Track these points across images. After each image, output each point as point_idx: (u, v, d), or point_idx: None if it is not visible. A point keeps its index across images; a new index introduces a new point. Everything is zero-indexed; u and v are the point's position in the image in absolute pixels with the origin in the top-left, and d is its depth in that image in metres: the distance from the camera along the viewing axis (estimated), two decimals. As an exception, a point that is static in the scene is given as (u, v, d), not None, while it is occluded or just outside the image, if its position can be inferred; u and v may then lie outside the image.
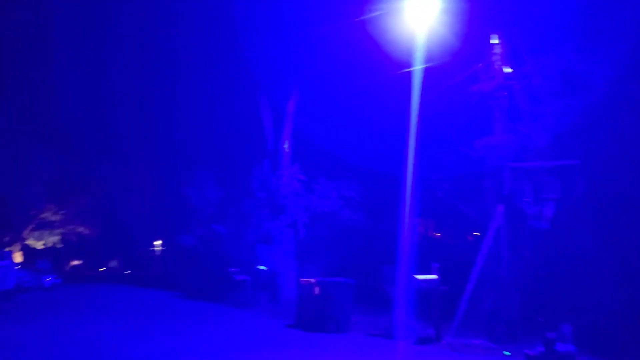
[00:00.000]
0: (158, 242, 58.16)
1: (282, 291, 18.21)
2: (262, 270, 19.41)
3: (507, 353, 9.00)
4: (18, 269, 24.64)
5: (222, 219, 24.63)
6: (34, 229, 38.14)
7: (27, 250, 39.11)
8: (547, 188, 9.87)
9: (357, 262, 16.97)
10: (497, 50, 11.45)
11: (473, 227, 16.68)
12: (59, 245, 42.40)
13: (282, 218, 18.69)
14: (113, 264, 78.06)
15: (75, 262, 62.23)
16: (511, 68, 11.44)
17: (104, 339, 10.44)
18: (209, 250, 25.04)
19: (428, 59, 11.50)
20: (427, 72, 11.61)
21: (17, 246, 36.75)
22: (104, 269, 75.48)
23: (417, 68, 11.51)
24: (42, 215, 38.12)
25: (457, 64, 13.07)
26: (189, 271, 27.27)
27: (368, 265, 16.04)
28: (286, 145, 19.77)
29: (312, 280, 12.40)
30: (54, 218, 39.05)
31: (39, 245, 38.40)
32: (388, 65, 15.57)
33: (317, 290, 12.13)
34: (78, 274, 55.49)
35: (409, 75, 11.95)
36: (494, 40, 11.51)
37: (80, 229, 42.03)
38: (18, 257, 35.36)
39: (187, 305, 20.41)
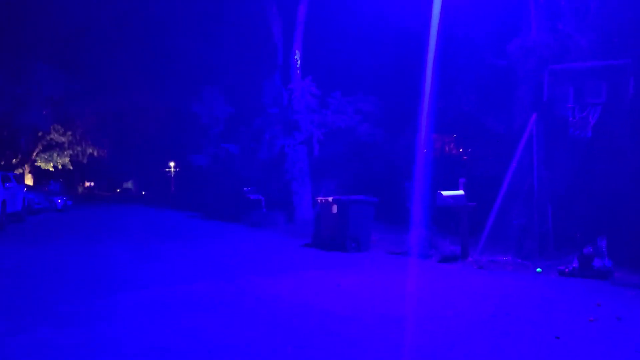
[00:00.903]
0: (171, 164, 58.48)
1: (297, 211, 17.97)
2: (277, 189, 19.15)
3: (539, 270, 8.62)
4: (28, 191, 24.71)
5: (233, 137, 24.14)
6: (42, 151, 38.18)
7: (38, 173, 39.41)
8: (591, 92, 9.02)
9: (375, 179, 16.48)
10: None
11: (501, 142, 15.95)
12: (70, 167, 42.63)
13: (296, 135, 18.08)
14: (127, 185, 79.37)
15: (88, 184, 63.10)
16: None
17: (117, 258, 10.28)
18: (222, 170, 24.79)
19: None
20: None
21: (27, 168, 36.95)
22: (119, 190, 76.87)
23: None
24: (50, 137, 37.98)
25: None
26: (202, 191, 27.23)
27: (387, 182, 15.58)
28: (297, 57, 18.72)
29: (330, 199, 11.98)
30: (62, 139, 38.92)
31: (49, 167, 38.61)
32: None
33: (335, 208, 11.75)
34: (91, 195, 56.40)
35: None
36: None
37: (90, 150, 42.02)
38: (28, 179, 35.64)
39: (202, 225, 20.41)
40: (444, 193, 9.67)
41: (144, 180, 71.69)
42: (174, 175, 56.26)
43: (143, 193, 70.23)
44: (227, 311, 6.03)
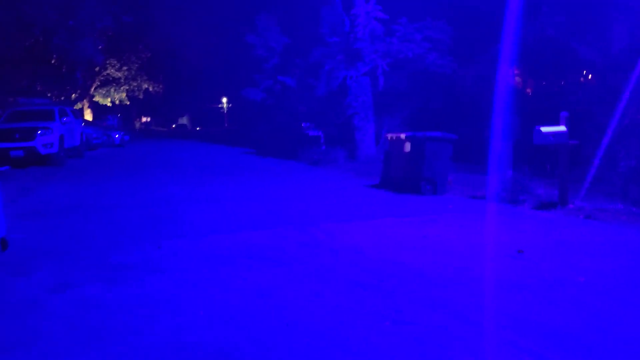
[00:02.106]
0: (224, 100, 57.86)
1: (360, 148, 16.77)
2: (336, 125, 17.94)
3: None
4: (86, 126, 24.57)
5: (289, 70, 22.85)
6: (100, 86, 38.19)
7: (96, 108, 39.64)
8: None
9: (445, 114, 14.96)
10: None
11: (594, 73, 13.97)
12: (127, 102, 42.72)
13: (359, 66, 16.58)
14: (182, 121, 79.98)
15: (145, 120, 63.76)
16: None
17: (175, 199, 9.54)
18: (277, 105, 23.71)
19: None
20: None
21: (86, 103, 37.16)
22: (174, 126, 77.64)
23: None
24: (107, 72, 37.83)
25: None
26: (257, 127, 26.36)
27: (460, 117, 14.04)
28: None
29: (402, 135, 10.70)
30: (118, 74, 38.75)
31: (106, 102, 38.72)
32: None
33: (408, 146, 10.48)
34: (148, 131, 56.97)
35: None
36: None
37: (146, 85, 41.79)
38: (87, 115, 35.87)
39: (258, 162, 19.62)
40: (544, 129, 8.19)
41: (198, 116, 71.92)
42: (227, 110, 55.81)
43: (197, 129, 70.63)
44: (302, 269, 5.06)
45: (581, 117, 10.63)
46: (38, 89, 32.72)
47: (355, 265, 5.16)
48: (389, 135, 11.34)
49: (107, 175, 14.56)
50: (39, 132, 15.58)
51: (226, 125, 54.36)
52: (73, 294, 4.45)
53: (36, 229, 7.18)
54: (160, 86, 43.74)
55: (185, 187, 11.53)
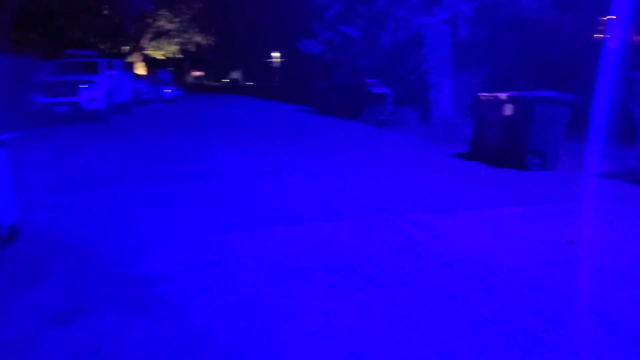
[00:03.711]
0: (276, 54, 56.01)
1: (434, 108, 14.80)
2: (404, 82, 15.93)
3: None
4: (136, 80, 23.55)
5: (351, 19, 20.79)
6: (152, 38, 37.17)
7: (149, 62, 38.78)
8: None
9: (540, 71, 12.72)
10: None
11: None
12: (179, 56, 41.72)
13: (436, 11, 14.41)
14: (235, 76, 78.88)
15: (197, 73, 62.93)
16: None
17: (230, 170, 8.13)
18: (337, 59, 21.77)
19: None
20: None
21: (138, 57, 36.33)
22: (226, 80, 76.64)
23: None
24: (158, 23, 36.69)
25: None
26: (314, 83, 24.55)
27: (561, 77, 11.81)
28: None
29: (502, 96, 8.76)
30: (170, 26, 37.58)
31: (158, 55, 37.76)
32: None
33: (509, 109, 8.55)
34: (200, 85, 56.08)
35: None
36: None
37: (198, 38, 40.53)
38: (140, 69, 35.05)
39: (316, 122, 18.01)
40: None
41: (251, 70, 70.41)
42: (280, 65, 53.97)
43: (250, 84, 69.36)
44: (405, 294, 3.47)
45: None
46: (91, 41, 32.00)
47: (491, 296, 3.51)
48: (482, 95, 9.41)
49: (155, 135, 13.36)
50: (83, 85, 14.48)
51: (279, 80, 52.67)
52: (79, 329, 3.06)
53: (66, 206, 5.92)
54: (212, 39, 42.36)
55: (240, 153, 10.10)
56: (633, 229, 5.07)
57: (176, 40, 37.94)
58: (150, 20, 35.64)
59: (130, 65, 32.19)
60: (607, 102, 8.08)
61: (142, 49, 36.66)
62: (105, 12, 32.39)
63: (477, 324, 3.09)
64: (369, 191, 6.71)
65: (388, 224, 5.14)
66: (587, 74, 10.71)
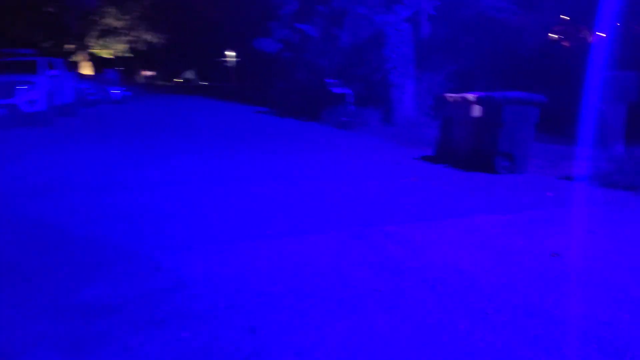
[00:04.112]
0: (232, 53, 55.08)
1: (397, 109, 14.60)
2: (366, 82, 15.68)
3: None
4: (82, 80, 22.47)
5: (310, 17, 20.43)
6: (98, 36, 35.79)
7: (96, 61, 37.34)
8: None
9: (504, 71, 12.69)
10: None
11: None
12: (129, 55, 40.40)
13: (398, 9, 14.21)
14: (188, 75, 77.14)
15: (148, 73, 61.25)
16: None
17: (186, 179, 7.59)
18: (296, 58, 21.36)
19: None
20: None
21: (84, 56, 34.89)
22: (179, 80, 74.88)
23: None
24: (104, 21, 35.36)
25: None
26: (271, 83, 24.06)
27: (527, 76, 11.78)
28: None
29: (470, 96, 8.56)
30: (117, 24, 36.28)
31: (105, 54, 36.38)
32: None
33: (477, 110, 8.37)
34: (152, 85, 54.50)
35: None
36: None
37: (148, 36, 39.33)
38: (86, 68, 33.65)
39: (275, 123, 17.58)
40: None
41: (205, 70, 69.06)
42: (236, 64, 53.11)
43: (204, 84, 68.02)
44: (377, 322, 3.09)
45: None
46: (34, 39, 30.46)
47: (482, 322, 3.18)
48: (449, 96, 9.21)
49: (101, 138, 12.59)
50: (21, 87, 13.54)
51: (235, 80, 51.76)
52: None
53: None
54: (163, 37, 41.19)
55: (195, 157, 9.55)
56: (616, 237, 4.87)
57: (124, 38, 36.64)
58: (96, 18, 34.28)
59: (75, 65, 30.85)
60: (577, 103, 7.99)
61: (87, 47, 35.23)
62: (49, 9, 30.96)
63: (469, 357, 2.75)
64: (336, 199, 6.33)
65: (361, 238, 4.77)
66: (550, 74, 10.72)
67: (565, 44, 9.86)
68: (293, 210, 5.75)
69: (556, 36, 13.31)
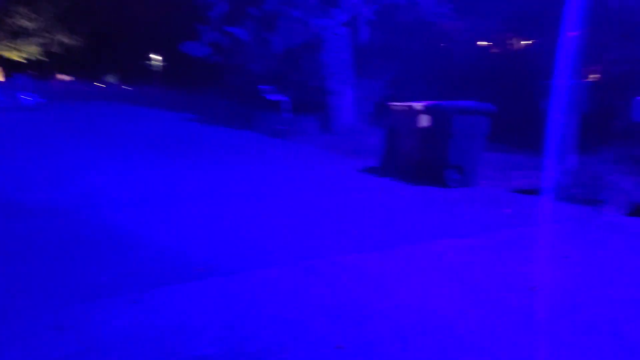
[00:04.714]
0: (157, 57, 52.99)
1: (336, 117, 14.12)
2: (303, 89, 15.11)
3: None
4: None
5: (241, 20, 19.62)
6: (6, 39, 33.21)
7: (8, 66, 34.65)
8: None
9: (447, 77, 12.51)
10: None
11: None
12: (43, 58, 37.86)
13: (336, 13, 13.76)
14: (110, 79, 73.77)
15: (65, 78, 57.90)
16: None
17: (98, 191, 6.65)
18: (227, 62, 20.48)
19: None
20: None
21: (-9, 59, 32.27)
22: (100, 85, 71.43)
23: None
24: (14, 21, 32.87)
25: None
26: (200, 89, 23.02)
27: (468, 83, 11.63)
28: None
29: (418, 105, 8.16)
30: (29, 24, 33.86)
31: (16, 57, 33.81)
32: None
33: (425, 120, 7.97)
34: (70, 91, 51.46)
35: None
36: None
37: (65, 38, 37.01)
38: (-7, 72, 31.06)
39: (205, 132, 16.64)
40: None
41: (129, 74, 66.22)
42: (163, 68, 51.17)
43: (128, 89, 65.17)
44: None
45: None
46: None
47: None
48: (395, 105, 8.78)
49: (9, 152, 11.26)
50: None
51: (162, 85, 49.80)
52: None
53: None
54: (82, 39, 38.93)
55: (111, 173, 8.56)
56: (592, 262, 4.51)
57: (37, 40, 34.24)
58: (4, 18, 31.81)
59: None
60: (528, 113, 7.77)
61: (-5, 49, 32.62)
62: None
63: None
64: (276, 221, 5.67)
65: (311, 273, 4.13)
66: (498, 83, 10.59)
67: (508, 50, 9.78)
68: (219, 240, 5.02)
69: (491, 43, 13.31)
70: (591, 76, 8.63)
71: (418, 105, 8.11)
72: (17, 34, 33.03)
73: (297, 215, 5.99)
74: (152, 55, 50.90)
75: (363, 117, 13.92)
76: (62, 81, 57.53)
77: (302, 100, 14.90)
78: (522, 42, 11.80)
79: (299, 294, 3.72)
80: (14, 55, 33.84)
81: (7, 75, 32.12)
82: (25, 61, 35.80)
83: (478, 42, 12.33)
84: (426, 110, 7.94)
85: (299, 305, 3.53)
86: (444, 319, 3.34)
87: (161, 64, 51.25)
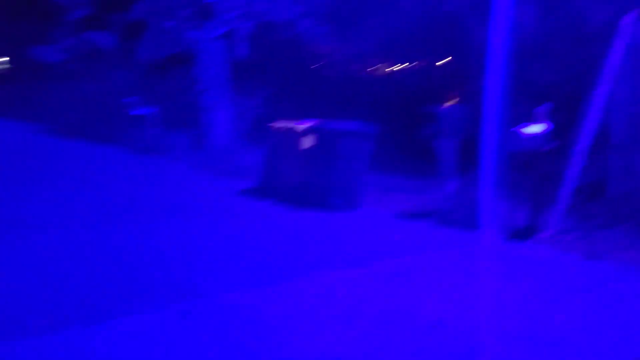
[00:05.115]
0: (3, 59, 47.76)
1: (211, 134, 13.46)
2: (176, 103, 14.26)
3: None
4: None
5: (104, 26, 18.23)
6: None
7: None
8: None
9: (326, 96, 12.51)
10: None
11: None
12: None
13: (210, 26, 13.17)
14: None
15: None
16: None
17: None
18: (86, 71, 18.85)
19: None
20: None
21: None
22: None
23: None
24: None
25: None
26: (56, 98, 20.91)
27: (347, 103, 11.69)
28: None
29: (300, 126, 7.90)
30: None
31: None
32: None
33: (308, 141, 7.73)
34: None
35: None
36: None
37: None
38: None
39: (59, 146, 15.04)
40: (527, 130, 6.16)
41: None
42: (10, 72, 46.25)
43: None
44: None
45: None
46: None
47: None
48: (277, 124, 8.45)
49: None
50: None
51: (7, 92, 44.89)
52: None
53: None
54: None
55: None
56: (481, 295, 4.45)
57: None
58: None
59: None
60: (409, 135, 7.86)
61: None
62: None
63: None
64: (144, 255, 4.99)
65: (190, 319, 3.56)
66: (373, 103, 10.74)
67: (390, 73, 9.99)
68: (87, 278, 4.27)
69: (374, 66, 13.53)
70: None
71: (301, 125, 7.85)
72: None
73: (176, 242, 5.35)
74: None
75: (240, 135, 13.43)
76: None
77: (173, 115, 14.01)
78: (401, 66, 12.17)
79: (179, 348, 3.15)
80: None
81: None
82: None
83: (359, 64, 12.50)
84: (309, 131, 7.70)
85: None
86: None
87: (7, 67, 46.31)
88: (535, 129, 6.34)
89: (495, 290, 4.45)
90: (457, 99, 8.02)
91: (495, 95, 3.79)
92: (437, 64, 11.59)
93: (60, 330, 3.18)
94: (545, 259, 5.70)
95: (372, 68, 12.68)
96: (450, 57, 11.56)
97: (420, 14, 11.52)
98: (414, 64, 11.70)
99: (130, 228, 5.91)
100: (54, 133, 18.58)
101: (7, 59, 45.30)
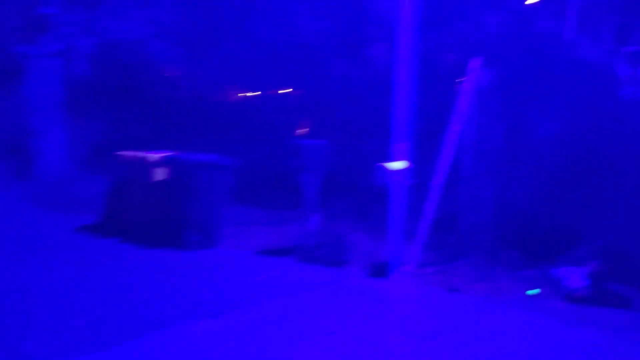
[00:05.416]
0: None
1: (41, 161, 11.91)
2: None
3: (535, 292, 6.00)
4: None
5: None
6: None
7: None
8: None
9: (179, 120, 11.84)
10: None
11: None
12: None
13: (44, 40, 11.79)
14: None
15: None
16: None
17: None
18: None
19: None
20: None
21: None
22: None
23: None
24: None
25: None
26: None
27: (199, 132, 11.13)
28: None
29: (153, 156, 7.22)
30: None
31: None
32: None
33: (162, 173, 7.09)
34: None
35: None
36: None
37: None
38: None
39: None
40: (390, 165, 6.19)
41: None
42: None
43: None
44: None
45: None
46: None
47: None
48: (125, 154, 7.65)
49: None
50: None
51: None
52: None
53: None
54: None
55: None
56: (358, 338, 4.24)
57: None
58: None
59: None
60: (270, 168, 7.58)
61: None
62: None
63: None
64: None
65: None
66: (231, 134, 10.32)
67: (247, 102, 9.71)
68: None
69: (234, 94, 13.10)
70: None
71: (153, 155, 7.17)
72: None
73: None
74: None
75: (77, 163, 12.08)
76: None
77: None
78: (257, 94, 11.95)
79: None
80: None
81: None
82: None
83: (215, 91, 12.03)
84: (163, 162, 7.06)
85: None
86: None
87: None
88: (398, 164, 6.44)
89: (364, 331, 4.28)
90: (308, 130, 7.99)
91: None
92: (292, 92, 11.55)
93: None
94: (410, 294, 5.71)
95: (228, 95, 12.32)
96: (305, 88, 11.61)
97: (274, 43, 11.49)
98: (270, 92, 11.59)
99: None
100: None
101: None
